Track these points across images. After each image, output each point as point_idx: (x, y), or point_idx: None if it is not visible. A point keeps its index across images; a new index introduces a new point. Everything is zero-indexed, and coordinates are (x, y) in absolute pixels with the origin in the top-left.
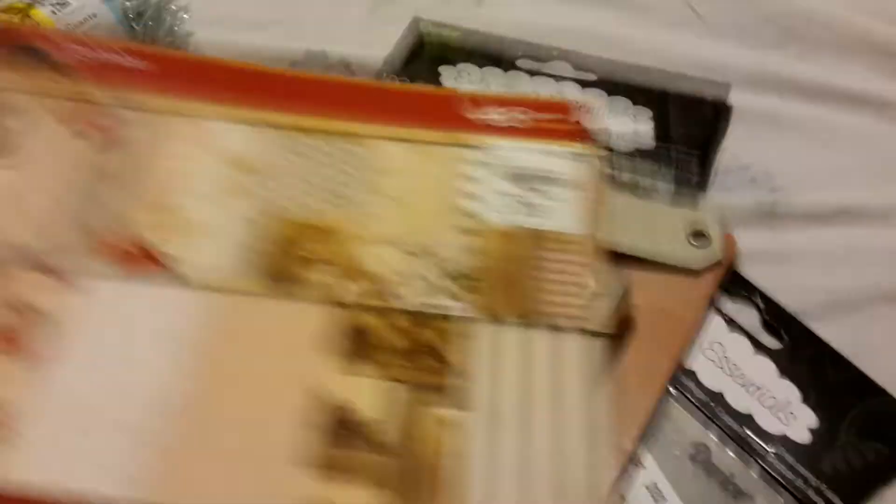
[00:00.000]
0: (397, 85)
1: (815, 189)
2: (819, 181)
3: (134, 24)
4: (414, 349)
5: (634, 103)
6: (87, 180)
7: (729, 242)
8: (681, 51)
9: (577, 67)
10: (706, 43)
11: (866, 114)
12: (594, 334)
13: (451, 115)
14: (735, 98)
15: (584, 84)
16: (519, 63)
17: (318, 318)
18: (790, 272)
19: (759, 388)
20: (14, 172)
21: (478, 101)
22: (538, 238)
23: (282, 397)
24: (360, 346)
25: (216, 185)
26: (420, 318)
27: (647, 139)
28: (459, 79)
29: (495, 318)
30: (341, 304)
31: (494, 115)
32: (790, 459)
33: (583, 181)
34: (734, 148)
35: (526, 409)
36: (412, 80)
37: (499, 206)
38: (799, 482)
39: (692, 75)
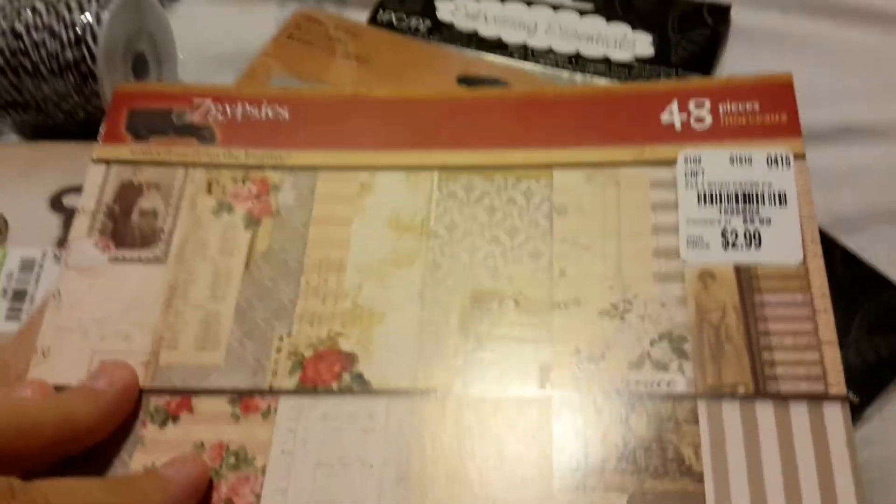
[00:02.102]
0: (575, 91)
1: (815, 107)
2: (820, 99)
3: None
4: (636, 446)
5: (634, 28)
6: (244, 269)
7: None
8: None
9: None
10: None
11: (872, 29)
12: (832, 398)
13: (642, 121)
14: (736, 16)
15: (583, 12)
16: None
17: (521, 415)
18: None
19: None
20: (167, 268)
21: (675, 96)
22: (752, 277)
23: None
24: (571, 448)
25: (380, 256)
26: (633, 401)
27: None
28: (456, 12)
29: (716, 394)
30: (541, 393)
31: (692, 115)
32: None
33: (794, 193)
34: (735, 67)
35: None
36: (408, 15)
37: (701, 240)
38: None
39: None
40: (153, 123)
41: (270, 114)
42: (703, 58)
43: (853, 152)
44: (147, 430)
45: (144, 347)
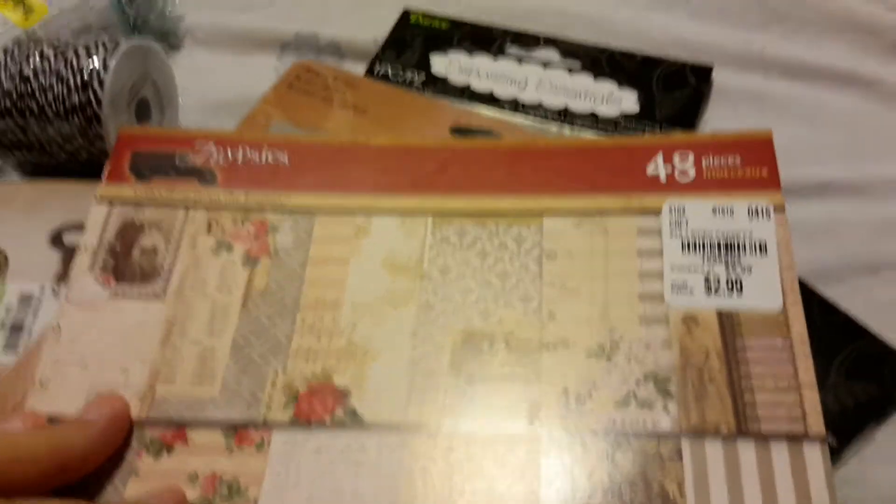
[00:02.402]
0: (565, 142)
1: (796, 165)
2: (800, 158)
3: (126, 8)
4: (622, 482)
5: (620, 86)
6: (241, 306)
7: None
8: (665, 32)
9: (564, 54)
10: (690, 24)
11: (850, 93)
12: (812, 439)
13: (629, 172)
14: (719, 77)
15: (571, 70)
16: (507, 50)
17: (510, 452)
18: None
19: None
20: (166, 304)
21: (660, 149)
22: (735, 323)
23: None
24: (559, 485)
25: (375, 295)
26: (618, 438)
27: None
28: (450, 67)
29: (699, 432)
30: (529, 432)
31: (676, 167)
32: None
33: (774, 243)
34: (717, 125)
35: None
36: (403, 69)
37: (685, 286)
38: None
39: (676, 57)
40: (156, 165)
41: (270, 158)
42: (685, 115)
43: (832, 207)
44: (142, 461)
45: (142, 380)
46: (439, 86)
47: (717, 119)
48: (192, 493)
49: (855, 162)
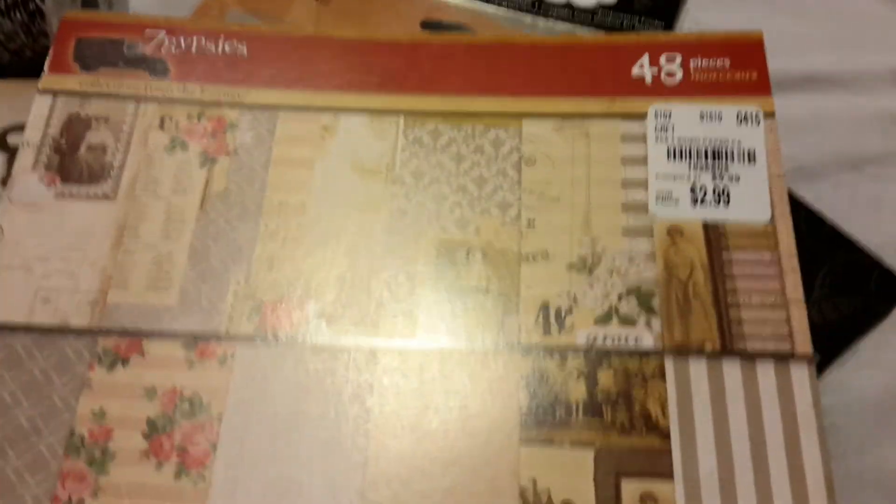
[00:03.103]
0: (546, 40)
1: (779, 56)
2: (784, 49)
3: None
4: (603, 401)
5: None
6: (199, 208)
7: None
8: None
9: None
10: None
11: None
12: (799, 358)
13: (613, 74)
14: None
15: None
16: None
17: (486, 368)
18: None
19: None
20: (117, 205)
21: (646, 50)
22: (721, 235)
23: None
24: (537, 402)
25: (344, 200)
26: (600, 355)
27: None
28: None
29: (682, 350)
30: (507, 347)
31: (662, 69)
32: None
33: (763, 151)
34: (697, 15)
35: (727, 470)
36: None
37: (670, 195)
38: None
39: None
40: (102, 54)
41: (227, 49)
42: (665, 6)
43: (816, 101)
44: (94, 373)
45: (91, 286)
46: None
47: (699, 9)
48: (150, 409)
49: (840, 54)
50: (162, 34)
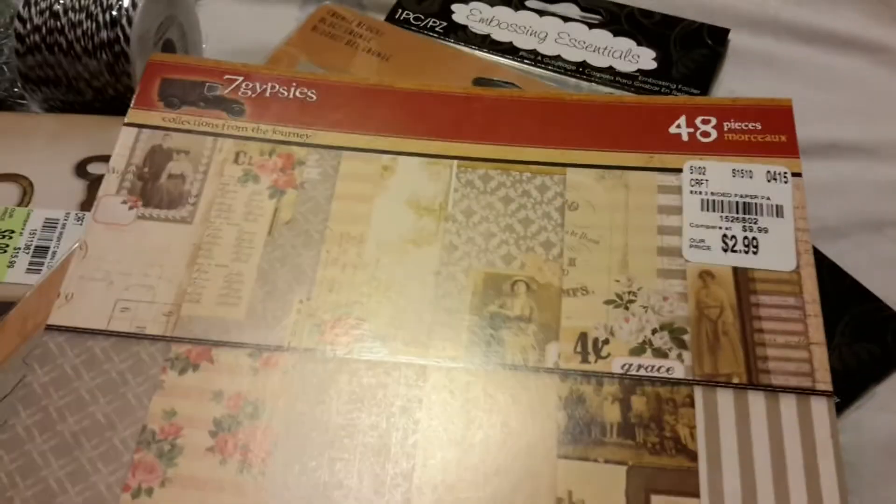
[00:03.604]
0: (591, 98)
1: (806, 126)
2: (810, 119)
3: None
4: (636, 423)
5: (639, 44)
6: (267, 234)
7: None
8: None
9: (585, 9)
10: None
11: (859, 57)
12: (819, 394)
13: (652, 131)
14: (733, 39)
15: (591, 25)
16: (528, 3)
17: (527, 389)
18: None
19: None
20: (193, 228)
21: (683, 112)
22: (749, 279)
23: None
24: (574, 421)
25: (399, 233)
26: (633, 382)
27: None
28: (471, 16)
29: (711, 380)
30: (547, 371)
31: (698, 129)
32: None
33: (790, 207)
34: (731, 84)
35: (750, 491)
36: (424, 16)
37: (702, 243)
38: None
39: (693, 19)
40: (185, 93)
41: (298, 94)
42: (701, 75)
43: (839, 167)
44: (167, 376)
45: (167, 299)
46: (459, 34)
47: (731, 79)
48: (216, 410)
49: (862, 124)
50: (240, 79)
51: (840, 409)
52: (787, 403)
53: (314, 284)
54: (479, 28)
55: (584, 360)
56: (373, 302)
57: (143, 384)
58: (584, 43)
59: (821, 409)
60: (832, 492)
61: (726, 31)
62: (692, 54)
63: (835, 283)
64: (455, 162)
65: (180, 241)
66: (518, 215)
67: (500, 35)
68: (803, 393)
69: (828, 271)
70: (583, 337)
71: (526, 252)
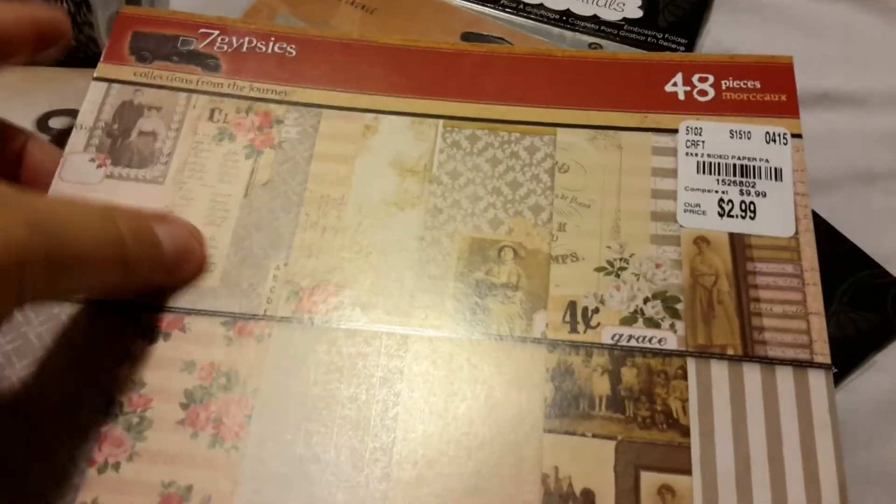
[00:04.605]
0: (583, 55)
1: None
2: (799, 67)
3: None
4: (626, 396)
5: None
6: (243, 197)
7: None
8: None
9: None
10: None
11: (850, 4)
12: (817, 366)
13: (647, 89)
14: None
15: None
16: None
17: (512, 359)
18: None
19: None
20: (164, 189)
21: (680, 69)
22: (745, 246)
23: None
24: (562, 394)
25: (382, 195)
26: (624, 354)
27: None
28: None
29: (705, 351)
30: (534, 341)
31: (695, 87)
32: None
33: (790, 170)
34: (718, 33)
35: (744, 468)
36: None
37: (698, 207)
38: None
39: None
40: (157, 48)
41: (277, 49)
42: (688, 23)
43: (829, 118)
44: (136, 346)
45: None
46: None
47: (719, 28)
48: (188, 381)
49: (852, 73)
50: (216, 33)
51: (838, 378)
52: (784, 376)
53: (292, 249)
54: None
55: (573, 330)
56: (353, 268)
57: (111, 354)
58: None
59: (819, 382)
60: (829, 470)
61: None
62: (678, 2)
63: (833, 248)
64: (441, 121)
65: (151, 203)
66: (506, 178)
67: None
68: (801, 365)
69: (826, 235)
70: (572, 306)
71: (514, 216)
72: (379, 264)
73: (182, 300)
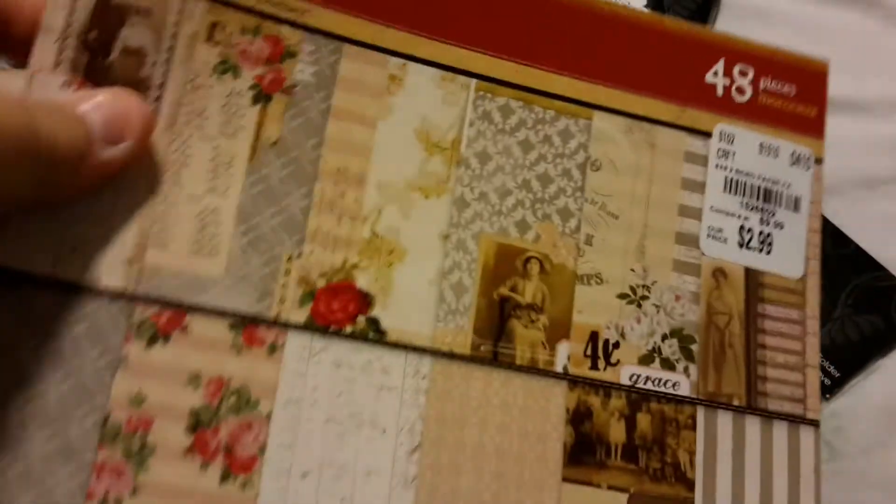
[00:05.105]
0: (629, 14)
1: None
2: None
3: None
4: (640, 445)
5: None
6: (249, 158)
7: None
8: None
9: None
10: None
11: (854, 10)
12: (808, 423)
13: (688, 74)
14: None
15: None
16: None
17: (534, 396)
18: None
19: None
20: (157, 137)
21: (723, 54)
22: (758, 285)
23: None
24: (581, 439)
25: (406, 176)
26: (641, 398)
27: None
28: None
29: (713, 400)
30: (555, 376)
31: (734, 82)
32: None
33: (808, 200)
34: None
35: None
36: None
37: (720, 233)
38: None
39: None
40: None
41: None
42: (694, 21)
43: (832, 123)
44: (132, 347)
45: (127, 239)
46: None
47: (725, 28)
48: (194, 398)
49: (855, 79)
50: None
51: (840, 382)
52: (780, 431)
53: (306, 237)
54: None
55: (594, 366)
56: (372, 268)
57: (102, 357)
58: None
59: (808, 439)
60: None
61: None
62: (684, 2)
63: (838, 250)
64: (473, 82)
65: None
66: (537, 168)
67: None
68: (794, 421)
69: (831, 237)
70: (594, 337)
71: (542, 220)
72: (400, 267)
73: (181, 290)
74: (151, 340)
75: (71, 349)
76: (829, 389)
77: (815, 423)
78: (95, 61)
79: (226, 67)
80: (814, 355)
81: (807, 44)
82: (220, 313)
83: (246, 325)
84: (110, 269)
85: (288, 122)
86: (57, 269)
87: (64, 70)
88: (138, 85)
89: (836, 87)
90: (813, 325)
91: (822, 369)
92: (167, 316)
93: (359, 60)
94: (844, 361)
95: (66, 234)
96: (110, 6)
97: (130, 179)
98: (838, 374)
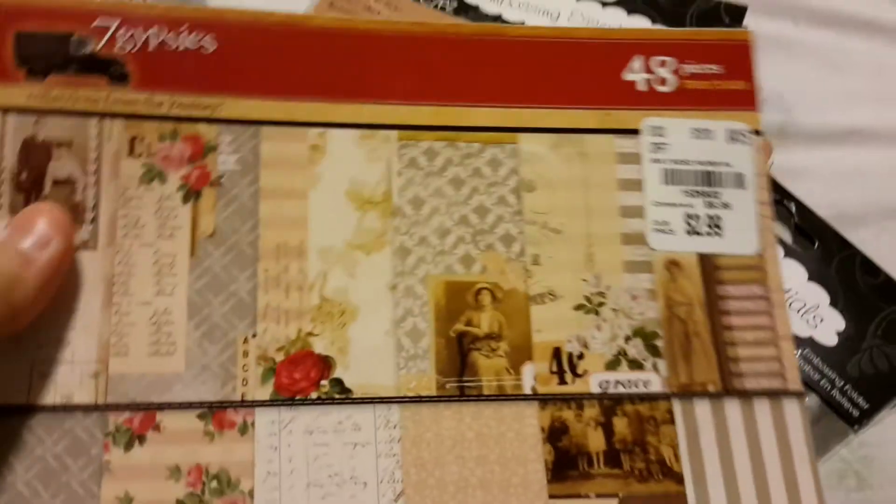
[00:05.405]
0: (536, 33)
1: (824, 111)
2: (829, 104)
3: None
4: (621, 449)
5: (653, 21)
6: (190, 255)
7: (765, 148)
8: None
9: None
10: None
11: (877, 39)
12: (790, 394)
13: (605, 77)
14: (750, 22)
15: (605, 4)
16: None
17: (506, 421)
18: (797, 189)
19: (787, 292)
20: (99, 255)
21: (640, 49)
22: (714, 268)
23: None
24: (560, 454)
25: (344, 237)
26: (614, 402)
27: None
28: None
29: (687, 391)
30: (525, 400)
31: (654, 74)
32: (817, 361)
33: (752, 175)
34: None
35: None
36: None
37: (665, 225)
38: (825, 383)
39: None
40: (48, 54)
41: (190, 44)
42: None
43: (859, 153)
44: (112, 455)
45: (90, 355)
46: (471, 14)
47: None
48: (176, 489)
49: (882, 109)
50: (114, 24)
51: (868, 414)
52: (762, 409)
53: (257, 316)
54: (490, 8)
55: (562, 381)
56: (327, 332)
57: (86, 468)
58: (598, 22)
59: (793, 411)
60: (811, 499)
61: (744, 8)
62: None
63: (868, 280)
64: (394, 133)
65: (88, 276)
66: (472, 203)
67: (511, 14)
68: (775, 395)
69: (861, 266)
70: (557, 353)
71: (485, 250)
72: (353, 326)
73: (148, 391)
74: (129, 444)
75: (57, 466)
76: (858, 420)
77: (798, 394)
78: (30, 200)
79: (151, 175)
80: (784, 326)
81: (832, 75)
82: (187, 406)
83: (214, 411)
84: (79, 386)
85: (221, 212)
86: (31, 396)
87: (3, 215)
88: (73, 210)
89: (862, 117)
90: (779, 297)
91: (851, 401)
92: (139, 418)
93: (278, 139)
94: (873, 393)
95: (34, 361)
96: (36, 145)
97: (83, 300)
98: (867, 406)
